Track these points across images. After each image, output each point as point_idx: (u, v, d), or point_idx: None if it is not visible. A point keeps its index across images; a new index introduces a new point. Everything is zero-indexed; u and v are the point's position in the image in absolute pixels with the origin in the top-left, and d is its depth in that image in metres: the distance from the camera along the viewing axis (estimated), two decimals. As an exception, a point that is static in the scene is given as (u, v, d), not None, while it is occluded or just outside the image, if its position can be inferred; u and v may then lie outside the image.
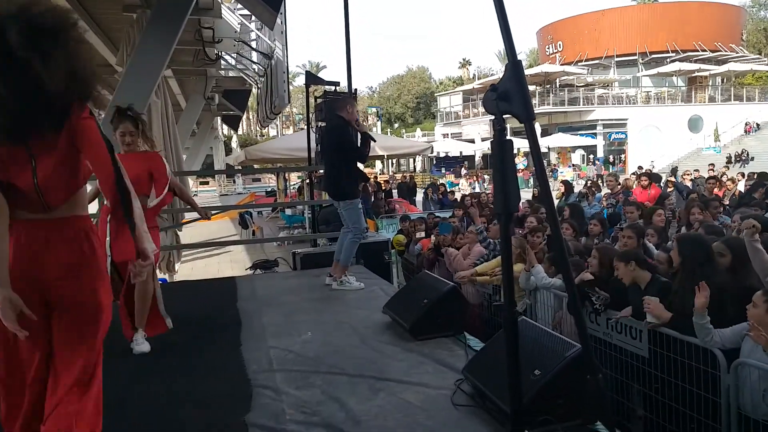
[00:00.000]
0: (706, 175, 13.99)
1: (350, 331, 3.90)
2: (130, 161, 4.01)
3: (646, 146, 35.67)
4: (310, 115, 9.16)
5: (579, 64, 41.22)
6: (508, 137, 1.45)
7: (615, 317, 3.81)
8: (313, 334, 3.87)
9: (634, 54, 40.90)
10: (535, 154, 1.38)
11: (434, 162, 40.11)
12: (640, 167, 22.15)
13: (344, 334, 3.86)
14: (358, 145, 5.01)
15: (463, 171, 35.12)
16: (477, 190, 21.54)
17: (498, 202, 1.42)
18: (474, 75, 57.79)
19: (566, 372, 2.45)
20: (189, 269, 10.13)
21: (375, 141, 5.19)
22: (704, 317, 3.12)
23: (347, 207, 4.92)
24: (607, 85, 40.63)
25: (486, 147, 35.18)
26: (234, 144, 41.78)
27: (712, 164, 23.51)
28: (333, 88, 8.83)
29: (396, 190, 19.50)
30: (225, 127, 36.67)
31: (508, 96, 1.36)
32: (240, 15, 12.06)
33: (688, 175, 11.98)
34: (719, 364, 3.12)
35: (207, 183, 35.53)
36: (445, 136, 43.72)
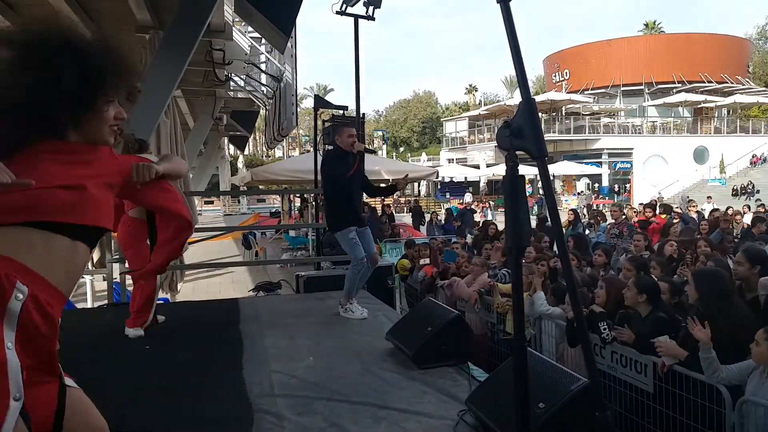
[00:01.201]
0: (706, 208, 13.97)
1: (353, 357, 3.87)
2: None
3: (652, 176, 35.73)
4: (317, 137, 9.25)
5: (585, 92, 41.55)
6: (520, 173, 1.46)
7: (617, 335, 3.79)
8: (315, 359, 3.85)
9: (641, 84, 41.22)
10: (548, 191, 1.39)
11: (439, 187, 40.22)
12: (654, 200, 22.15)
13: (347, 360, 3.84)
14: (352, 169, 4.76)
15: (468, 197, 35.22)
16: (489, 216, 21.36)
17: (510, 236, 1.44)
18: (480, 101, 58.23)
19: (571, 406, 2.43)
20: (190, 289, 10.11)
21: (375, 153, 5.13)
22: (710, 351, 3.10)
23: (339, 238, 4.83)
24: (613, 114, 40.87)
25: (491, 173, 35.30)
26: (240, 164, 42.02)
27: (710, 196, 23.62)
28: (341, 111, 8.93)
29: (410, 215, 19.64)
30: (231, 147, 37.00)
31: (522, 133, 1.38)
32: (250, 38, 12.24)
33: (693, 206, 11.95)
34: (724, 401, 3.09)
35: (212, 202, 35.66)
36: (450, 161, 43.91)
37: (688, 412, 3.29)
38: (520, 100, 1.40)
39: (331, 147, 8.28)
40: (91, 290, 7.86)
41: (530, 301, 4.66)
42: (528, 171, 25.63)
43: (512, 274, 1.53)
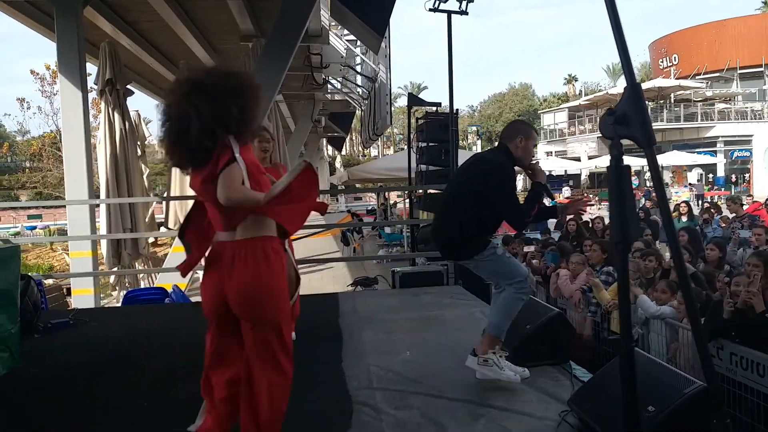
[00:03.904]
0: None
1: (449, 353, 3.86)
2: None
3: (775, 165, 32.70)
4: (411, 135, 9.29)
5: (696, 77, 38.62)
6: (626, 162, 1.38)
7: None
8: (412, 354, 3.87)
9: (760, 65, 37.69)
10: (657, 181, 1.31)
11: (537, 180, 38.96)
12: None
13: (443, 355, 3.83)
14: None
15: (566, 190, 33.89)
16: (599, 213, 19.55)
17: (615, 231, 1.36)
18: (580, 91, 55.81)
19: (684, 411, 2.28)
20: (293, 284, 10.47)
21: (550, 196, 3.53)
22: None
23: (480, 263, 3.27)
24: (729, 100, 37.68)
25: (594, 165, 33.77)
26: (338, 164, 43.06)
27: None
28: (434, 108, 8.90)
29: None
30: (330, 147, 38.00)
31: (627, 120, 1.30)
32: (346, 41, 12.51)
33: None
34: None
35: (311, 201, 36.75)
36: (548, 154, 42.47)
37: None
38: (625, 86, 1.32)
39: (424, 143, 8.27)
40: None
41: (633, 308, 4.41)
42: (634, 162, 24.31)
43: (619, 272, 1.45)
